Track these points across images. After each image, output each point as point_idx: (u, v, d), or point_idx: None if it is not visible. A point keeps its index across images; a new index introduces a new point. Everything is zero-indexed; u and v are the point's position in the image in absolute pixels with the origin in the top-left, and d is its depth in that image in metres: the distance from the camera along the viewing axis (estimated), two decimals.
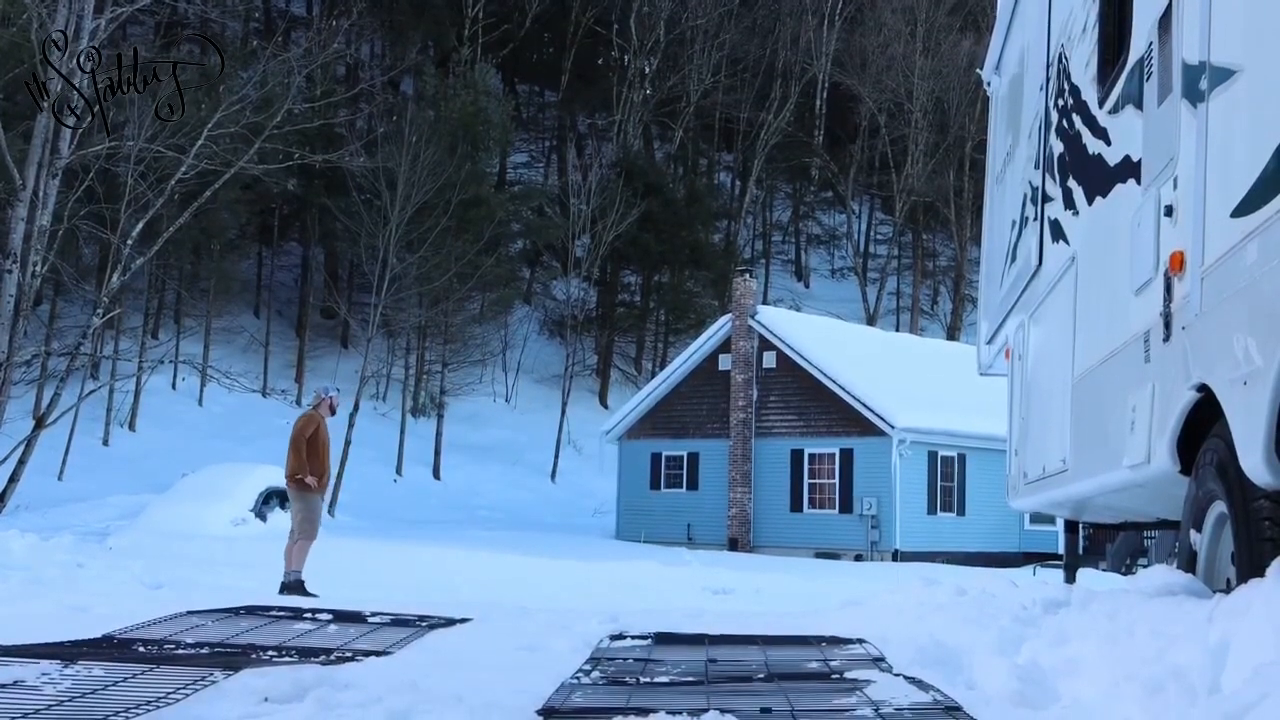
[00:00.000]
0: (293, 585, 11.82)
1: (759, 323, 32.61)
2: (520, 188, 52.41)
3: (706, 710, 3.95)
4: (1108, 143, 6.06)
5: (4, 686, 4.24)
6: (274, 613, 7.20)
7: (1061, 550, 9.56)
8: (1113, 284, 5.85)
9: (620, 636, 6.28)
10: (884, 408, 30.01)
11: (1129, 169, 5.61)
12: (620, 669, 5.18)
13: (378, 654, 5.51)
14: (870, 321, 50.44)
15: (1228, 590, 4.39)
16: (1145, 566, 7.77)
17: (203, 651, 5.54)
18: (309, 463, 12.27)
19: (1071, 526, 8.92)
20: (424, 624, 6.68)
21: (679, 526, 32.49)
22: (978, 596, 6.83)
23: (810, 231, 61.46)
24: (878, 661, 5.24)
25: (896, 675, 4.70)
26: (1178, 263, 4.77)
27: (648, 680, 4.84)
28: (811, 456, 31.45)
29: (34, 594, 9.37)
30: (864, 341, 35.14)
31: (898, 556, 29.17)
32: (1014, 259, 9.01)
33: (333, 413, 12.92)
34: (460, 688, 4.38)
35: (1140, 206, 5.35)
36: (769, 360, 32.41)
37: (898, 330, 49.45)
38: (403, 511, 35.71)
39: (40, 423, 25.00)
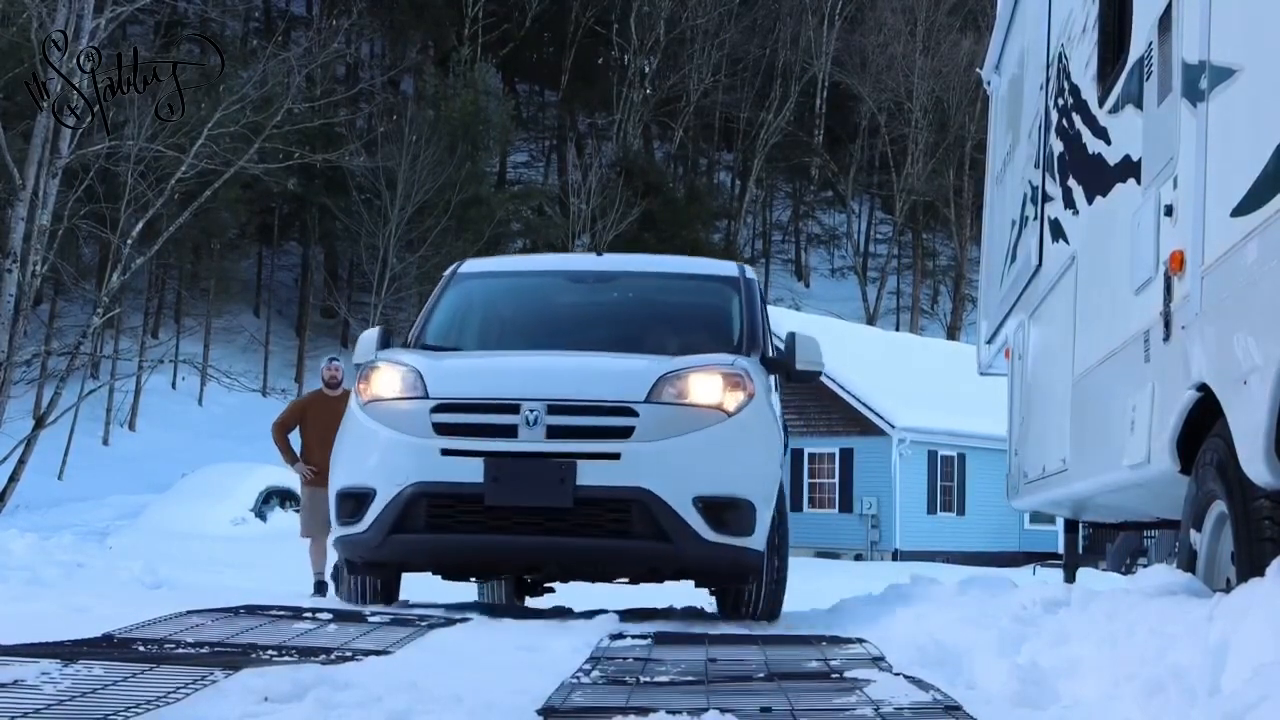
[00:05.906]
0: (317, 585, 11.24)
1: None
2: (520, 187, 52.40)
3: (706, 709, 3.94)
4: (1108, 142, 6.06)
5: (4, 686, 4.23)
6: (274, 612, 7.20)
7: (1061, 550, 9.56)
8: (1113, 283, 5.84)
9: (620, 636, 6.27)
10: (884, 407, 30.01)
11: (1129, 168, 5.61)
12: (620, 669, 5.17)
13: (377, 653, 5.50)
14: (870, 321, 50.40)
15: (1228, 590, 4.38)
16: (1145, 566, 7.77)
17: (203, 651, 5.53)
18: (306, 452, 11.36)
19: (1071, 526, 8.92)
20: (424, 623, 6.67)
21: None
22: (978, 596, 6.82)
23: (810, 231, 61.44)
24: (877, 661, 5.24)
25: (896, 674, 4.70)
26: (1178, 262, 4.76)
27: (648, 680, 4.84)
28: (811, 456, 31.43)
29: (34, 594, 9.36)
30: (864, 341, 35.12)
31: (898, 556, 29.16)
32: (1014, 259, 9.00)
33: (331, 386, 11.59)
34: (460, 687, 4.38)
35: (1140, 206, 5.34)
36: None
37: (898, 330, 49.43)
38: None
39: (40, 422, 25.01)
